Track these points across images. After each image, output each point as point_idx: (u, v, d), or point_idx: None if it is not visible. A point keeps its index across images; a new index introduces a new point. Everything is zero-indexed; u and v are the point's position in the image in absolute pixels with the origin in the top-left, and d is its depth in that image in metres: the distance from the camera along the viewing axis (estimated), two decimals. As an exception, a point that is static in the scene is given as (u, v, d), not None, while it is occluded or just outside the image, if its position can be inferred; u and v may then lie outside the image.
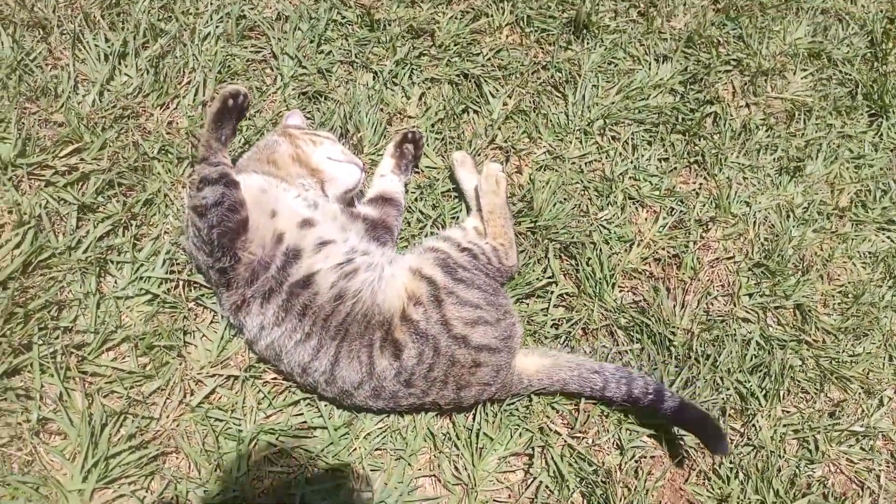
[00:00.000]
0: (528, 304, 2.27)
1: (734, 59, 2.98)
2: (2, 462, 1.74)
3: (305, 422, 1.94)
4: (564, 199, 2.46)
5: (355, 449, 1.94)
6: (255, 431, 1.88)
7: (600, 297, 2.28)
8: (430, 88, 2.62)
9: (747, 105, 2.89)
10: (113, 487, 1.78)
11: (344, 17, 2.68)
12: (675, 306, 2.33)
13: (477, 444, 1.99)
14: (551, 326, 2.22)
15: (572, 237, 2.35)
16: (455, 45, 2.72)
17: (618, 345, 2.24)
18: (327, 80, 2.52)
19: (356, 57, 2.59)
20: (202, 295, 2.04)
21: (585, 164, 2.57)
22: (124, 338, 1.93)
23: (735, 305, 2.39)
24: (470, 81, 2.66)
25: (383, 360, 1.83)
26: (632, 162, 2.61)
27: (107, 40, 2.38)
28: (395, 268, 2.00)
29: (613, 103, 2.71)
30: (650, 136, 2.69)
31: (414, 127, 2.46)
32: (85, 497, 1.74)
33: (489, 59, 2.72)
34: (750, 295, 2.42)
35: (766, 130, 2.81)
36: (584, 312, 2.25)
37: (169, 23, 2.49)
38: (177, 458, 1.86)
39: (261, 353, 1.92)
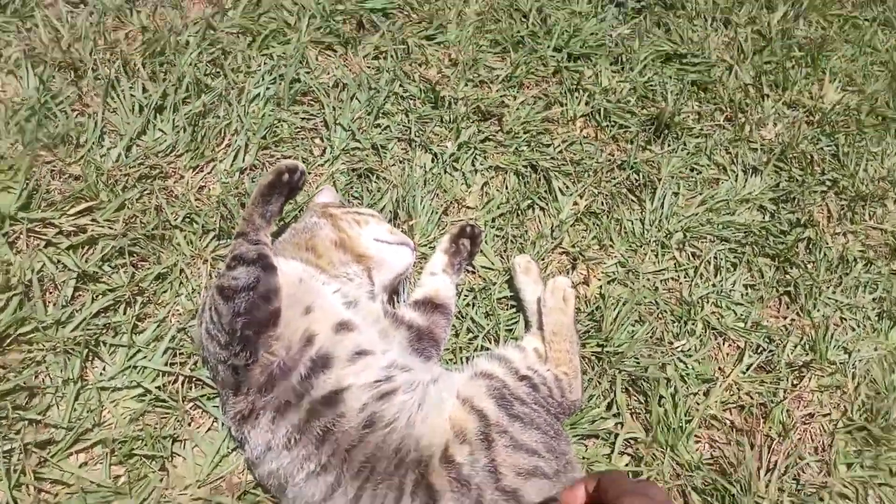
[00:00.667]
0: (587, 447, 1.88)
1: (830, 179, 2.65)
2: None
3: (304, 575, 1.55)
4: (637, 321, 2.10)
5: None
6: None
7: (673, 448, 1.89)
8: (493, 178, 2.33)
9: (844, 233, 2.54)
10: None
11: (406, 91, 2.42)
12: (759, 469, 1.93)
13: None
14: (614, 479, 1.83)
15: (644, 369, 1.98)
16: (524, 132, 2.43)
17: (691, 510, 1.83)
18: (381, 158, 2.24)
19: (415, 135, 2.31)
20: (204, 395, 1.69)
21: (661, 281, 2.23)
22: (100, 440, 1.58)
23: (831, 475, 1.97)
24: (538, 174, 2.36)
25: (413, 511, 1.45)
26: (714, 285, 2.25)
27: (144, 90, 2.13)
28: (440, 389, 1.64)
29: (695, 215, 2.39)
30: (735, 258, 2.34)
31: (473, 220, 2.15)
32: None
33: (561, 151, 2.43)
34: (849, 465, 2.00)
35: (865, 265, 2.45)
36: (655, 466, 1.85)
37: (216, 79, 2.25)
38: None
39: (261, 478, 1.54)
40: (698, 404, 1.98)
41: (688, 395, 1.99)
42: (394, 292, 1.94)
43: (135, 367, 1.68)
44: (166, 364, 1.70)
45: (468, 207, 2.24)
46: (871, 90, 3.03)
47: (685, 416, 1.94)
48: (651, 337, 2.08)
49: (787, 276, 2.33)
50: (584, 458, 1.83)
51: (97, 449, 1.59)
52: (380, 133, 2.30)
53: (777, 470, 1.92)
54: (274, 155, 2.15)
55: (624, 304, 2.09)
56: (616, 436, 1.88)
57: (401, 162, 2.26)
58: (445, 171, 2.28)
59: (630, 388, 1.98)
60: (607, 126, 2.58)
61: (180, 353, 1.72)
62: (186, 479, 1.60)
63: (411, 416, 1.55)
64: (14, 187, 1.80)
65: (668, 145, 2.59)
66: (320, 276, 1.69)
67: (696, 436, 1.95)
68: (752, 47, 3.02)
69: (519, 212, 2.25)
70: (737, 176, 2.57)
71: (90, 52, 2.16)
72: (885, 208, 2.65)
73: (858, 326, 2.29)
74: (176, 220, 1.91)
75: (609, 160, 2.48)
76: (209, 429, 1.68)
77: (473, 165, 2.33)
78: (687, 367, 2.05)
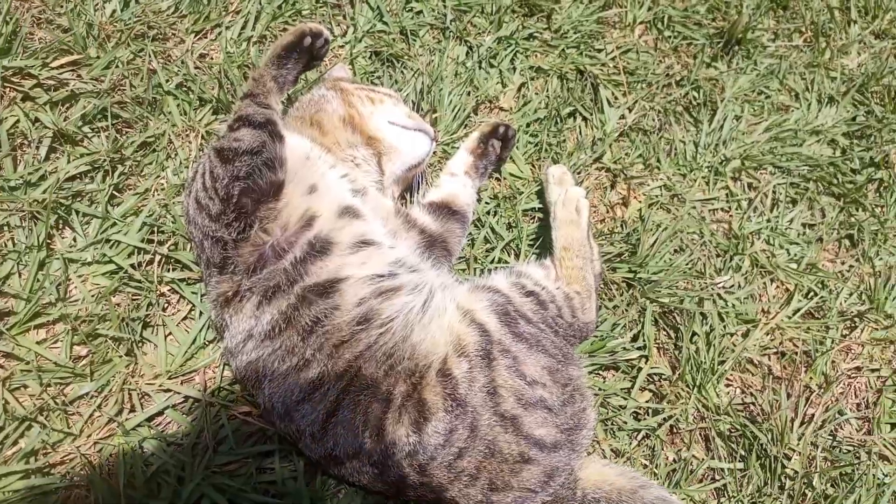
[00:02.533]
0: (605, 379, 1.62)
1: (912, 119, 2.24)
2: None
3: (275, 482, 1.34)
4: (677, 250, 1.80)
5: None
6: (199, 480, 1.28)
7: (701, 389, 1.61)
8: (534, 79, 2.00)
9: (921, 179, 2.15)
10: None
11: (447, -25, 2.07)
12: (793, 420, 1.64)
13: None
14: (632, 415, 1.57)
15: (679, 301, 1.69)
16: (575, 33, 2.08)
17: (713, 458, 1.57)
18: (409, 44, 1.92)
19: (451, 24, 1.98)
20: (183, 280, 1.46)
21: (709, 211, 1.91)
22: (62, 315, 1.37)
23: (872, 434, 1.68)
24: (585, 81, 2.02)
25: (399, 427, 1.21)
26: (768, 220, 1.93)
27: (153, -59, 1.84)
28: (446, 298, 1.39)
29: (757, 143, 2.03)
30: (796, 193, 2.00)
31: (507, 120, 1.84)
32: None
33: (614, 58, 2.07)
34: (893, 425, 1.71)
35: (941, 217, 2.08)
36: (679, 405, 1.58)
37: (234, -63, 1.94)
38: (86, 496, 1.27)
39: (238, 370, 1.32)
40: (734, 345, 1.70)
41: (724, 334, 1.71)
42: (407, 190, 1.66)
43: (108, 241, 1.45)
44: (143, 241, 1.46)
45: (501, 109, 1.93)
46: (972, 26, 2.55)
47: (718, 356, 1.65)
48: (690, 268, 1.78)
49: (852, 219, 1.99)
50: (600, 389, 1.57)
51: (59, 326, 1.38)
52: (411, 18, 1.97)
53: (813, 423, 1.64)
54: (288, 28, 1.84)
55: (664, 230, 1.78)
56: (639, 370, 1.61)
57: (431, 52, 1.94)
58: (480, 67, 1.95)
59: (660, 321, 1.70)
60: (670, 36, 2.21)
61: (161, 231, 1.48)
62: (156, 367, 1.38)
63: (410, 321, 1.32)
64: (-7, 29, 1.55)
65: (737, 64, 2.21)
66: (325, 155, 1.43)
67: (727, 379, 1.67)
68: (843, -33, 2.56)
69: (558, 119, 1.93)
70: (810, 104, 2.19)
71: None
72: (972, 158, 2.24)
73: (924, 282, 1.95)
74: (170, 85, 1.64)
75: (667, 73, 2.11)
76: (186, 317, 1.45)
77: (512, 63, 2.00)
78: (727, 305, 1.76)
